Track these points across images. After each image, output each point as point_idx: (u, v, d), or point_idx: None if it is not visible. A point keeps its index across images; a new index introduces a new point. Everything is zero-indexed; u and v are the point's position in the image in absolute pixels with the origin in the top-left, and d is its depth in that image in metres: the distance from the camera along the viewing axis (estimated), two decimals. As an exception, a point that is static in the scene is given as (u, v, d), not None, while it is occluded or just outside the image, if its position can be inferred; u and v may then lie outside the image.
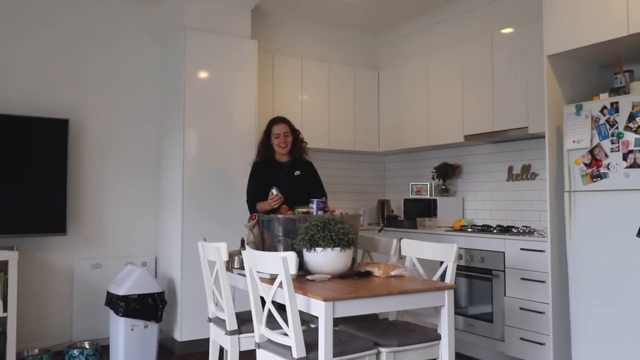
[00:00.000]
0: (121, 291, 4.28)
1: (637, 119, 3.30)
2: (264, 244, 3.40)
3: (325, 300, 2.46)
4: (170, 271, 4.81)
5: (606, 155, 3.46)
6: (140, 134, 5.18)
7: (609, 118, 3.45)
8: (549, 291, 3.76)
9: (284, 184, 3.84)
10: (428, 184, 5.46)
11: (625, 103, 3.37)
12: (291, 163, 3.97)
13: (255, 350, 2.85)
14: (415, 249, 3.39)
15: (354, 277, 2.99)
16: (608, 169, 3.44)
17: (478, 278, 4.44)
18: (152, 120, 5.24)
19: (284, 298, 2.52)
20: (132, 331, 4.28)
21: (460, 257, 4.49)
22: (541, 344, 3.90)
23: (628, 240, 3.33)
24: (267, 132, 3.96)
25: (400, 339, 2.83)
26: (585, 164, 3.57)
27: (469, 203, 5.37)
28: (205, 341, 3.64)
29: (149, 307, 4.32)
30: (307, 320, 3.17)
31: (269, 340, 2.77)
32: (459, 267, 4.34)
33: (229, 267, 3.33)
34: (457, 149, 5.48)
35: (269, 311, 2.70)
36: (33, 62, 4.73)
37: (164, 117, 5.12)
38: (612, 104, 3.44)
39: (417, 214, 5.33)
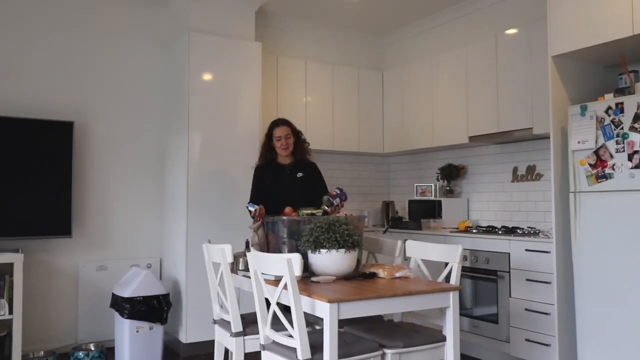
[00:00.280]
0: (126, 293, 4.29)
1: (642, 119, 3.29)
2: (268, 246, 3.41)
3: (330, 301, 2.46)
4: (175, 273, 4.82)
5: (611, 156, 3.44)
6: (144, 136, 5.19)
7: (614, 118, 3.44)
8: (554, 292, 3.75)
9: (286, 186, 3.84)
10: (433, 185, 5.46)
11: (631, 103, 3.36)
12: (294, 165, 3.96)
13: (260, 352, 2.85)
14: (420, 250, 3.39)
15: (359, 278, 2.99)
16: (613, 169, 3.43)
17: (483, 279, 4.43)
18: (157, 122, 5.25)
19: (288, 300, 2.52)
20: (137, 333, 4.29)
21: (465, 258, 4.48)
22: (547, 345, 3.89)
23: (634, 241, 3.32)
24: (269, 135, 3.96)
25: (405, 340, 2.83)
26: (590, 165, 3.56)
27: (474, 204, 5.36)
28: (210, 343, 3.64)
29: (154, 309, 4.33)
30: (312, 322, 3.17)
31: (274, 342, 2.77)
32: (464, 269, 4.34)
33: (234, 268, 3.33)
34: (461, 150, 5.47)
35: (274, 313, 2.70)
36: (38, 65, 4.74)
37: (169, 119, 5.13)
38: (617, 104, 3.43)
39: (422, 215, 5.33)
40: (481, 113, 4.88)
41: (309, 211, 3.40)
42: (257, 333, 2.88)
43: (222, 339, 3.35)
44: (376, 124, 6.06)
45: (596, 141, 3.52)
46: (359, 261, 3.17)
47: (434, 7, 5.49)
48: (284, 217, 3.33)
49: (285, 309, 2.64)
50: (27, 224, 4.46)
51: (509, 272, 4.21)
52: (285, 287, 2.55)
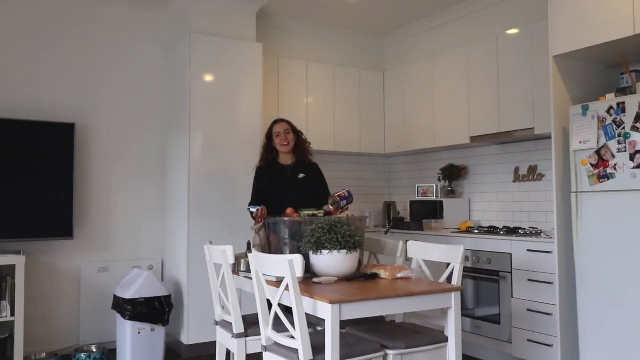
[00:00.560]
0: (128, 295, 4.29)
1: (644, 119, 3.29)
2: (270, 247, 3.40)
3: (331, 302, 2.46)
4: (177, 274, 4.82)
5: (613, 156, 3.44)
6: (146, 138, 5.20)
7: (615, 118, 3.43)
8: (557, 292, 3.74)
9: (288, 187, 3.84)
10: (434, 185, 5.45)
11: (632, 103, 3.36)
12: (295, 165, 3.95)
13: (262, 353, 2.85)
14: (422, 250, 3.38)
15: (361, 279, 2.99)
16: (615, 169, 3.43)
17: (485, 280, 4.42)
18: (158, 123, 5.25)
19: (290, 301, 2.52)
20: (139, 334, 4.29)
21: (466, 258, 4.48)
22: (549, 345, 3.89)
23: (636, 241, 3.31)
24: (269, 135, 3.96)
25: (407, 341, 2.82)
26: (592, 165, 3.55)
27: (476, 204, 5.36)
28: (212, 344, 3.64)
29: (155, 310, 4.33)
30: (314, 323, 3.16)
31: (276, 343, 2.76)
32: (465, 269, 4.34)
33: (236, 270, 3.33)
34: (463, 150, 5.47)
35: (276, 314, 2.69)
36: (40, 68, 4.75)
37: (170, 121, 5.14)
38: (618, 104, 3.43)
39: (424, 215, 5.32)
40: (482, 113, 4.87)
41: (310, 212, 3.40)
42: (259, 334, 2.88)
43: (224, 341, 3.35)
44: (377, 125, 6.06)
45: (598, 141, 3.52)
46: (360, 262, 3.16)
47: (435, 7, 5.48)
48: (286, 218, 3.33)
49: (287, 310, 2.63)
50: (28, 225, 4.47)
51: (511, 272, 4.20)
52: (286, 288, 2.55)
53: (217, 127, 4.81)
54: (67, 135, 4.65)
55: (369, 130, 6.00)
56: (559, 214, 3.77)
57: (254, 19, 5.14)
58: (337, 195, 3.57)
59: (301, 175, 3.92)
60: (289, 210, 3.50)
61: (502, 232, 4.54)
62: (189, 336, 4.60)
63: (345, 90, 5.87)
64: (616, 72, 3.90)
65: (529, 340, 4.04)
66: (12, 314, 4.04)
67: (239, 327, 3.12)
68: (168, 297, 4.44)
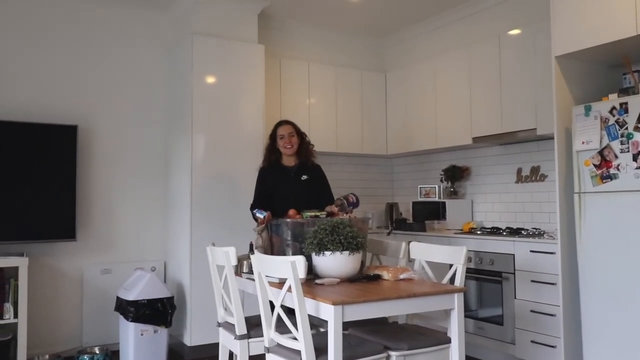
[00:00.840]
0: (131, 296, 4.29)
1: (647, 119, 3.28)
2: (272, 248, 3.40)
3: (334, 304, 2.45)
4: (180, 276, 4.82)
5: (616, 156, 3.43)
6: (148, 140, 5.21)
7: (618, 118, 3.43)
8: (560, 293, 3.73)
9: (290, 188, 3.83)
10: (437, 186, 5.45)
11: (635, 103, 3.35)
12: (298, 167, 3.95)
13: (264, 354, 2.85)
14: (424, 252, 3.38)
15: (363, 280, 2.98)
16: (618, 169, 3.42)
17: (488, 281, 4.42)
18: (160, 125, 5.26)
19: (293, 302, 2.52)
20: (141, 336, 4.29)
21: (469, 259, 4.47)
22: (552, 346, 3.88)
23: (639, 241, 3.30)
24: (273, 136, 3.96)
25: (410, 342, 2.82)
26: (595, 165, 3.55)
27: (478, 205, 5.35)
28: (215, 346, 3.64)
29: (158, 312, 4.34)
30: (317, 324, 3.16)
31: (279, 345, 2.76)
32: (468, 270, 4.32)
33: (238, 271, 3.33)
34: (465, 151, 5.46)
35: (278, 315, 2.69)
36: (42, 69, 4.76)
37: (172, 122, 5.14)
38: (621, 104, 3.42)
39: (426, 216, 5.32)
40: (485, 114, 4.87)
41: (312, 213, 3.40)
42: (262, 336, 2.88)
43: (227, 342, 3.35)
44: (379, 126, 6.06)
45: (600, 141, 3.51)
46: (363, 263, 3.16)
47: (437, 8, 5.48)
48: (288, 220, 3.33)
49: (290, 312, 2.63)
50: (31, 227, 4.47)
51: (514, 273, 4.20)
52: (289, 289, 2.55)
53: (219, 128, 4.81)
54: (69, 137, 4.66)
55: (371, 131, 5.99)
56: (562, 214, 3.76)
57: (255, 20, 5.14)
58: (345, 199, 3.57)
59: (304, 177, 3.92)
60: (292, 212, 3.50)
61: (504, 233, 4.53)
62: (192, 338, 4.61)
63: (347, 91, 5.87)
64: (619, 72, 3.90)
65: (532, 342, 4.03)
66: (15, 315, 4.04)
67: (241, 329, 3.12)
68: (171, 299, 4.44)
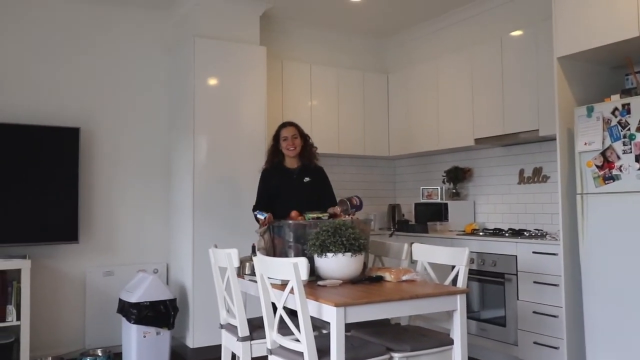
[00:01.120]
0: (133, 298, 4.29)
1: (649, 120, 3.28)
2: (274, 250, 3.40)
3: (336, 305, 2.45)
4: (182, 278, 4.82)
5: (618, 157, 3.43)
6: (150, 142, 5.21)
7: (620, 119, 3.42)
8: (562, 294, 3.73)
9: (293, 190, 3.83)
10: (439, 187, 5.45)
11: (637, 104, 3.35)
12: (301, 169, 3.94)
13: (267, 356, 2.85)
14: (427, 253, 3.37)
15: (366, 282, 2.98)
16: (620, 170, 3.42)
17: (490, 282, 4.41)
18: (163, 127, 5.27)
19: (295, 304, 2.52)
20: (144, 338, 4.29)
21: (472, 261, 4.47)
22: (555, 347, 3.87)
23: (642, 243, 3.30)
24: (276, 138, 3.95)
25: (412, 344, 2.82)
26: (597, 166, 3.54)
27: (480, 206, 5.34)
28: (217, 347, 3.64)
29: (161, 314, 4.34)
30: (319, 326, 3.16)
31: (281, 347, 2.76)
32: (470, 271, 4.32)
33: (240, 273, 3.33)
34: (467, 152, 5.46)
35: (281, 317, 2.69)
36: (44, 72, 4.77)
37: (174, 124, 5.15)
38: (623, 105, 3.42)
39: (428, 218, 5.31)
40: (487, 115, 4.86)
41: (315, 215, 3.40)
42: (264, 337, 2.88)
43: (229, 344, 3.35)
44: (381, 127, 6.06)
45: (603, 142, 3.51)
46: (365, 265, 3.16)
47: (439, 9, 5.48)
48: (290, 221, 3.33)
49: (292, 313, 2.63)
50: (34, 229, 4.48)
51: (516, 274, 4.19)
52: (291, 291, 2.55)
53: (221, 130, 4.81)
54: (71, 140, 4.67)
55: (373, 133, 5.99)
56: (564, 215, 3.76)
57: (257, 22, 5.15)
58: (349, 201, 3.57)
59: (306, 179, 3.91)
60: (294, 213, 3.50)
61: (507, 234, 4.53)
62: (194, 339, 4.61)
63: (349, 92, 5.87)
64: (621, 73, 3.89)
65: (535, 343, 4.02)
66: (18, 318, 4.05)
67: (244, 331, 3.12)
68: (173, 301, 4.45)
